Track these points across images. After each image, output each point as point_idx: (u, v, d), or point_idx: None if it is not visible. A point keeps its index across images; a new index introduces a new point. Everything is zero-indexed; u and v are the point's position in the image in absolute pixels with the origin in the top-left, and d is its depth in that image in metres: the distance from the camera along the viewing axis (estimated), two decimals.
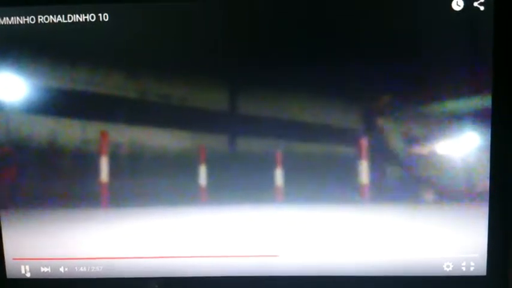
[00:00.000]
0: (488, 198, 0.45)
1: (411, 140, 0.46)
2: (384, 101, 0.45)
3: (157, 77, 0.46)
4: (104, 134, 0.47)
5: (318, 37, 0.45)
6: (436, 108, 0.45)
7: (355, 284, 0.48)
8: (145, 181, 0.47)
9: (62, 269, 0.49)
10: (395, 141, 0.46)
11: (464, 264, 0.47)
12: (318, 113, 0.46)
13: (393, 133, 0.46)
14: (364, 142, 0.46)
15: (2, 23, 0.45)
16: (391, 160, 0.46)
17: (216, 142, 0.47)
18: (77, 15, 0.45)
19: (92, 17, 0.45)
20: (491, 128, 0.45)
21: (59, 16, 0.45)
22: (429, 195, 0.46)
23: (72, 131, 0.46)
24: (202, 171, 0.47)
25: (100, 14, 0.45)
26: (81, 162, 0.47)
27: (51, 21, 0.45)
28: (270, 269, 0.48)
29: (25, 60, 0.46)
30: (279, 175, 0.47)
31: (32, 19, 0.45)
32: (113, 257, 0.48)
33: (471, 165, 0.45)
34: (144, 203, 0.47)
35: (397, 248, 0.47)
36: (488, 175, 0.45)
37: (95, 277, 0.49)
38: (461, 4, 0.43)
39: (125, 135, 0.47)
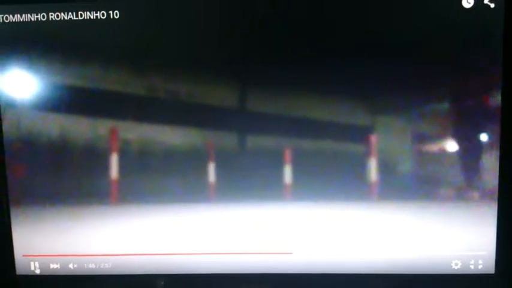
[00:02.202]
0: (497, 197, 0.45)
1: (420, 138, 0.46)
2: (392, 99, 0.45)
3: (167, 75, 0.46)
4: (113, 131, 0.47)
5: (327, 35, 0.45)
6: (445, 106, 0.45)
7: (363, 281, 0.48)
8: (155, 178, 0.47)
9: (71, 266, 0.49)
10: (404, 139, 0.46)
11: (472, 262, 0.47)
12: (326, 111, 0.46)
13: (402, 131, 0.46)
14: (373, 140, 0.46)
15: (14, 20, 0.45)
16: (399, 158, 0.46)
17: (225, 139, 0.47)
18: (88, 13, 0.45)
19: (103, 15, 0.45)
20: (501, 126, 0.45)
21: (69, 13, 0.45)
22: (438, 194, 0.46)
23: (82, 128, 0.47)
24: (211, 169, 0.47)
25: (111, 12, 0.45)
26: (91, 159, 0.47)
27: (62, 18, 0.45)
28: (284, 266, 0.48)
29: (36, 57, 0.46)
30: (287, 173, 0.47)
31: (43, 16, 0.45)
32: (122, 254, 0.49)
33: (480, 164, 0.45)
34: (153, 200, 0.48)
35: (406, 246, 0.47)
36: (497, 173, 0.45)
37: (103, 273, 0.49)
38: (472, 2, 0.43)
39: (135, 132, 0.47)
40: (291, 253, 0.48)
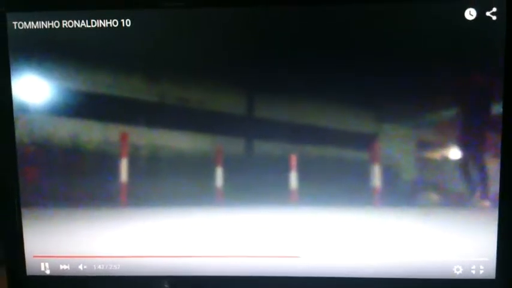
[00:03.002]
0: (498, 203, 0.46)
1: (423, 145, 0.47)
2: (396, 107, 0.46)
3: (176, 81, 0.47)
4: (124, 136, 0.48)
5: (332, 43, 0.46)
6: (448, 114, 0.46)
7: (367, 285, 0.49)
8: (163, 182, 0.48)
9: (80, 267, 0.50)
10: (408, 147, 0.47)
11: (473, 267, 0.48)
12: (332, 118, 0.47)
13: (406, 138, 0.47)
14: (377, 146, 0.47)
15: (28, 27, 0.46)
16: (403, 165, 0.47)
17: (233, 145, 0.48)
18: (100, 21, 0.46)
19: (115, 23, 0.46)
20: (502, 134, 0.45)
21: (82, 21, 0.46)
22: (440, 200, 0.47)
23: (93, 133, 0.48)
24: (219, 173, 0.48)
25: (123, 20, 0.46)
26: (102, 163, 0.48)
27: (75, 26, 0.46)
28: (290, 270, 0.49)
29: (49, 64, 0.47)
30: (293, 178, 0.48)
31: (57, 24, 0.46)
32: (130, 256, 0.50)
33: (481, 171, 0.46)
34: (162, 203, 0.49)
35: (408, 251, 0.48)
36: (498, 180, 0.46)
37: (112, 275, 0.50)
38: (474, 14, 0.44)
39: (144, 137, 0.48)
40: (298, 257, 0.49)
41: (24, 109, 0.48)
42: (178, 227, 0.49)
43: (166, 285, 0.50)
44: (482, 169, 0.46)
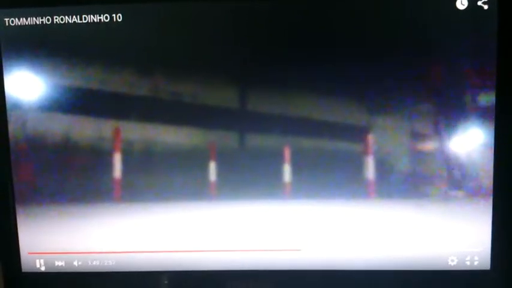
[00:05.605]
0: (492, 194, 0.46)
1: (416, 137, 0.47)
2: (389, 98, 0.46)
3: (169, 76, 0.47)
4: (117, 131, 0.48)
5: (324, 36, 0.46)
6: (441, 105, 0.46)
7: (361, 278, 0.49)
8: (157, 177, 0.48)
9: (75, 263, 0.50)
10: (401, 138, 0.47)
11: (468, 258, 0.48)
12: (325, 110, 0.47)
13: (399, 130, 0.47)
14: (371, 138, 0.47)
15: (19, 23, 0.46)
16: (396, 156, 0.47)
17: (226, 139, 0.48)
18: (92, 16, 0.46)
19: (106, 18, 0.46)
20: (495, 125, 0.46)
21: (74, 17, 0.46)
22: (434, 191, 0.47)
23: (86, 128, 0.48)
24: (212, 167, 0.48)
25: (114, 15, 0.46)
26: (95, 158, 0.48)
27: (66, 21, 0.46)
28: (291, 263, 0.49)
29: (41, 60, 0.47)
30: (286, 171, 0.48)
31: (48, 19, 0.46)
32: (125, 251, 0.50)
33: (475, 161, 0.46)
34: (155, 198, 0.49)
35: (403, 243, 0.48)
36: (492, 171, 0.46)
37: (107, 270, 0.50)
38: (466, 3, 0.44)
39: (137, 132, 0.48)
40: (300, 250, 0.49)
41: (17, 105, 0.48)
42: (174, 222, 0.49)
43: (165, 281, 0.50)
44: (475, 160, 0.46)
